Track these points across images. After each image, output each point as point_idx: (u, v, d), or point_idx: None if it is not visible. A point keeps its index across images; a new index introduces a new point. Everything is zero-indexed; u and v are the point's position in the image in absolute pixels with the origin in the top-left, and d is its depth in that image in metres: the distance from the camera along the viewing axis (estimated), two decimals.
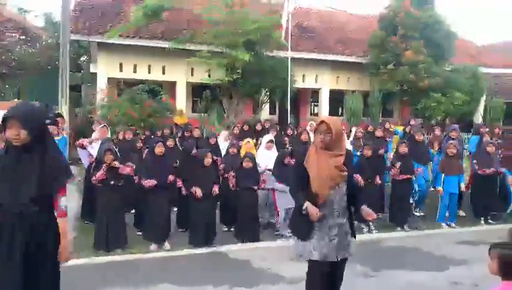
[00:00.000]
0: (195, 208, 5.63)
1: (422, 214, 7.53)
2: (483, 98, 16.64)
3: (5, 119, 2.51)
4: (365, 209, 3.19)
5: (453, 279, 4.67)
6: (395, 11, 14.74)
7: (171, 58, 13.38)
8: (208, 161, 5.65)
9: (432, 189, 8.93)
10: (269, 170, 6.42)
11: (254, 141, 8.10)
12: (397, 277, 4.70)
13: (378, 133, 8.72)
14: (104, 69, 13.18)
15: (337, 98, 16.79)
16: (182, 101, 13.87)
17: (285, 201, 6.02)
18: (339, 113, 17.45)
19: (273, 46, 12.95)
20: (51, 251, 2.67)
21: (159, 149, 5.54)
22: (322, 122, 3.05)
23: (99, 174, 5.24)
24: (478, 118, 16.40)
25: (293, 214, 3.40)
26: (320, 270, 3.11)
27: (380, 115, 15.54)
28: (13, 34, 13.39)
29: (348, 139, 8.31)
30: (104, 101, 12.07)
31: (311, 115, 17.55)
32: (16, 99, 11.16)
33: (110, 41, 12.57)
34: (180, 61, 13.20)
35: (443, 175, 6.80)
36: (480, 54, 18.61)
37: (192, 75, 13.98)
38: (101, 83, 12.95)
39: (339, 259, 3.12)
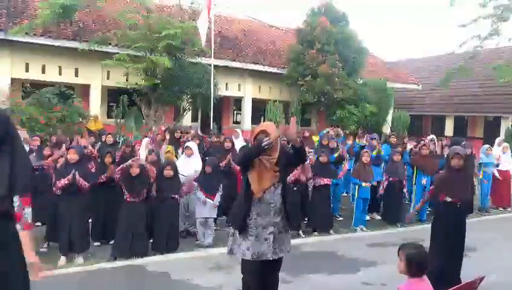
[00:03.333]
0: (123, 216, 5.39)
1: (341, 218, 7.91)
2: (391, 110, 18.14)
3: None
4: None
5: (364, 280, 4.92)
6: (312, 26, 15.50)
7: (85, 60, 12.63)
8: (108, 159, 5.58)
9: (345, 194, 9.47)
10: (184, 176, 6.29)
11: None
12: (313, 281, 4.83)
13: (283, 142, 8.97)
14: (7, 69, 11.96)
15: (259, 107, 17.12)
16: (96, 105, 13.08)
17: (203, 210, 5.96)
18: (261, 122, 17.77)
19: (195, 52, 12.82)
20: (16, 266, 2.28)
21: (71, 156, 5.13)
22: (263, 130, 3.29)
23: None
24: (387, 129, 17.80)
25: (233, 205, 3.56)
26: (253, 268, 3.25)
27: (299, 124, 16.14)
28: None
29: None
30: (5, 103, 10.89)
31: (233, 123, 17.65)
32: None
33: (14, 38, 11.46)
34: (95, 64, 12.51)
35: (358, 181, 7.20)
36: (388, 70, 20.33)
37: (108, 78, 13.30)
38: (4, 84, 11.69)
39: (271, 258, 3.23)
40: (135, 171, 5.30)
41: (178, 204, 5.90)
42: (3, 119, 2.31)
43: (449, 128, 20.83)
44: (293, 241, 6.30)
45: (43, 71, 12.49)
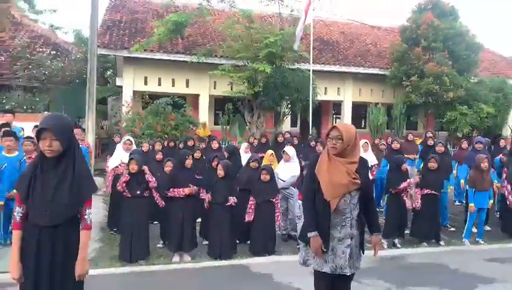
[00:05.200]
0: (212, 219, 5.70)
1: (452, 229, 7.35)
2: None
3: (39, 130, 2.55)
4: (375, 239, 3.15)
5: None
6: (417, 23, 14.64)
7: (195, 71, 13.66)
8: (188, 162, 5.62)
9: (458, 204, 8.75)
10: (283, 181, 6.42)
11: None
12: None
13: (395, 145, 8.55)
14: (130, 82, 13.54)
15: (359, 111, 16.69)
16: (204, 113, 14.08)
17: None
18: (362, 126, 17.31)
19: (294, 58, 13.03)
20: (74, 263, 2.66)
21: (189, 161, 5.62)
22: (334, 128, 3.00)
23: (122, 178, 5.37)
24: (507, 131, 15.95)
25: (304, 226, 3.19)
26: (328, 283, 3.06)
27: (404, 127, 15.34)
28: (44, 50, 13.93)
29: (365, 152, 8.15)
30: (129, 114, 12.37)
31: None
32: (45, 112, 11.56)
33: (135, 55, 12.94)
34: (203, 75, 13.46)
35: (474, 190, 6.56)
36: (509, 66, 18.19)
37: (214, 88, 14.20)
38: (127, 96, 13.31)
39: (349, 273, 3.02)
40: (220, 173, 5.61)
41: (275, 208, 5.97)
42: (67, 128, 2.66)
43: None
44: (397, 252, 6.13)
45: (159, 83, 13.86)
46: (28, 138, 5.93)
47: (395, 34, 16.92)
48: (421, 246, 6.45)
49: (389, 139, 10.01)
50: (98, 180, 7.30)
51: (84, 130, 9.78)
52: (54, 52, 14.12)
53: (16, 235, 2.61)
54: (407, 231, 7.11)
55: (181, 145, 8.76)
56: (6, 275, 4.31)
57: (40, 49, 13.89)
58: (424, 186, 6.51)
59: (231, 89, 13.20)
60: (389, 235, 6.44)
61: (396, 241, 6.45)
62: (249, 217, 5.82)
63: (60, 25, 25.75)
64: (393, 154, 7.79)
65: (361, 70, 15.48)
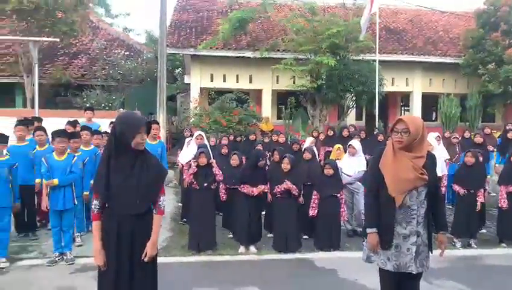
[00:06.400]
0: (277, 213, 5.78)
1: None
2: None
3: (143, 125, 2.80)
4: (441, 237, 3.04)
5: None
6: (495, 6, 13.51)
7: (258, 67, 13.84)
8: (261, 163, 5.76)
9: None
10: (349, 176, 6.34)
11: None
12: None
13: (478, 139, 7.99)
14: (197, 79, 14.07)
15: (430, 102, 15.83)
16: (267, 108, 14.23)
17: None
18: (433, 118, 16.43)
19: (359, 49, 12.69)
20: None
21: (262, 162, 5.80)
22: (400, 120, 2.90)
23: (190, 171, 5.65)
24: None
25: (364, 222, 3.24)
26: (393, 281, 2.98)
27: (480, 119, 14.30)
28: (119, 51, 14.96)
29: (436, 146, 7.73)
30: (196, 109, 12.89)
31: None
32: (121, 109, 12.44)
33: (202, 53, 13.41)
34: (266, 70, 13.58)
35: None
36: None
37: (277, 82, 14.28)
38: (194, 93, 13.87)
39: (415, 272, 2.92)
40: (286, 167, 5.67)
41: (339, 203, 5.92)
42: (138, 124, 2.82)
43: None
44: (472, 252, 5.79)
45: (224, 80, 14.24)
46: (85, 128, 6.38)
47: (469, 19, 15.76)
48: (499, 247, 6.05)
49: (466, 132, 9.34)
50: (169, 173, 7.72)
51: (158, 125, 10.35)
52: (128, 53, 15.10)
53: (96, 225, 2.86)
54: (483, 231, 6.70)
55: (240, 139, 8.95)
56: (90, 259, 4.82)
57: (116, 51, 14.92)
58: (507, 182, 6.02)
59: (294, 83, 13.19)
60: (460, 234, 6.10)
61: (471, 241, 6.09)
62: (312, 212, 5.84)
63: (132, 28, 27.42)
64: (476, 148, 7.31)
65: (431, 59, 14.63)
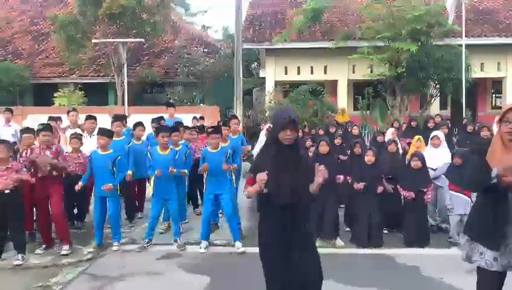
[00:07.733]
0: (359, 207, 5.66)
1: None
2: None
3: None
4: None
5: None
6: None
7: (333, 57, 13.59)
8: (322, 148, 5.56)
9: None
10: (433, 169, 5.99)
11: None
12: None
13: None
14: (272, 73, 14.23)
15: None
16: (343, 99, 13.94)
17: (458, 206, 5.54)
18: None
19: (442, 33, 11.85)
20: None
21: (323, 148, 5.70)
22: (511, 109, 2.61)
23: None
24: None
25: (473, 216, 2.91)
26: (496, 282, 2.77)
27: None
28: (198, 48, 15.66)
29: None
30: (271, 103, 13.05)
31: (492, 108, 15.38)
32: (201, 104, 13.06)
33: (276, 46, 13.50)
34: (342, 60, 13.30)
35: None
36: None
37: (353, 72, 13.92)
38: (269, 86, 14.04)
39: None
40: (371, 160, 5.55)
41: (426, 198, 5.60)
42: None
43: None
44: None
45: (298, 72, 14.22)
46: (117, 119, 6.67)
47: None
48: None
49: None
50: (247, 165, 7.93)
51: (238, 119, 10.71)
52: (206, 50, 15.73)
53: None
54: None
55: (321, 132, 8.91)
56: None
57: (195, 48, 15.62)
58: None
59: (371, 72, 12.74)
60: None
61: None
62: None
63: (210, 25, 28.43)
64: None
65: None
